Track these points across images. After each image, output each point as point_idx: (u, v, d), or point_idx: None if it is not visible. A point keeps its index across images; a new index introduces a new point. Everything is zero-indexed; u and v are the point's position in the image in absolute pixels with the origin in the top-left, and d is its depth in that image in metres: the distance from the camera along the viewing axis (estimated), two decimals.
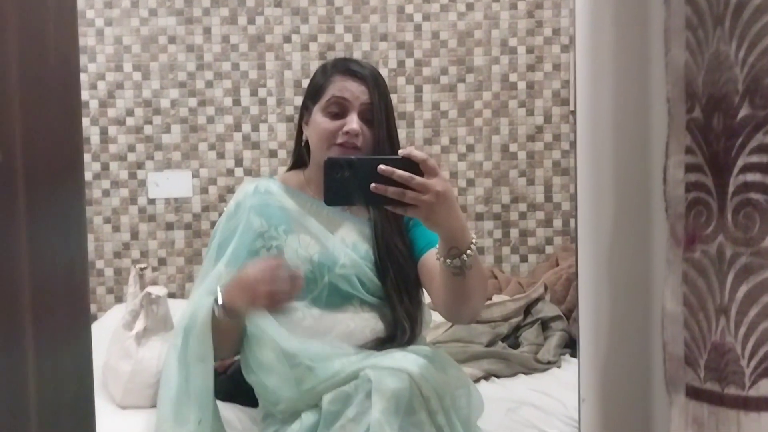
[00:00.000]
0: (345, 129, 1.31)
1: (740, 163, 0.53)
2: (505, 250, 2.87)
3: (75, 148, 0.75)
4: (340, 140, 1.31)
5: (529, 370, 1.79)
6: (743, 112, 0.53)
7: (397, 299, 1.33)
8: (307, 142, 1.41)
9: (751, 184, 0.53)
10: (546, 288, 2.06)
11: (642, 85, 0.68)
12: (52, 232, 0.69)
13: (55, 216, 0.70)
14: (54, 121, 0.71)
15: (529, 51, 2.82)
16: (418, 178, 1.03)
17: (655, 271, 0.66)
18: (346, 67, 1.37)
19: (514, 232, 2.86)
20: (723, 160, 0.54)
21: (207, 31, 2.75)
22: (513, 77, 2.83)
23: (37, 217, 0.66)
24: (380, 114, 1.34)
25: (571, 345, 1.95)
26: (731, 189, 0.54)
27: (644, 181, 0.67)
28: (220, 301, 1.23)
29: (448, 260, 1.12)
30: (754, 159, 0.53)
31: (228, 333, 1.29)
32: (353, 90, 1.34)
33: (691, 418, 0.53)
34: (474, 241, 1.13)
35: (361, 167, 1.05)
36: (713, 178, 0.54)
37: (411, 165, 1.03)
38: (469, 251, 1.11)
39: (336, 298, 1.33)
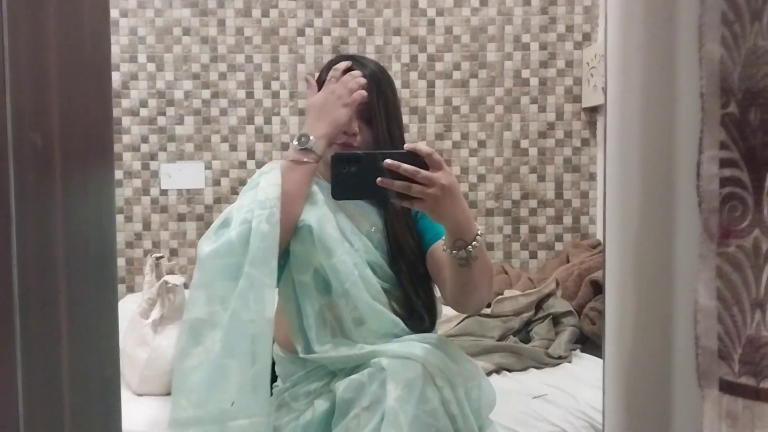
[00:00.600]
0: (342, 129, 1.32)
1: None
2: (515, 246, 2.87)
3: (106, 133, 0.76)
4: (339, 140, 1.32)
5: (540, 365, 1.79)
6: None
7: (410, 288, 1.34)
8: None
9: None
10: (557, 284, 2.07)
11: (670, 81, 0.69)
12: (84, 210, 0.71)
13: (87, 195, 0.71)
14: (88, 108, 0.72)
15: (542, 47, 2.82)
16: (423, 172, 1.05)
17: (679, 266, 0.67)
18: (344, 67, 1.37)
19: (524, 229, 2.86)
20: (760, 155, 0.54)
21: (221, 23, 2.76)
22: (525, 73, 2.83)
23: (70, 197, 0.67)
24: (378, 114, 1.34)
25: (581, 340, 1.96)
26: None
27: (671, 177, 0.68)
28: (301, 140, 1.24)
29: (454, 251, 1.14)
30: None
31: (302, 189, 1.26)
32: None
33: (724, 412, 0.53)
34: (479, 232, 1.15)
35: (368, 162, 1.06)
36: (749, 173, 0.55)
37: (417, 159, 1.05)
38: (474, 242, 1.13)
39: None
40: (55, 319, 0.66)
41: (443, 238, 1.18)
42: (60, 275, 0.66)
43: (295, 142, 1.26)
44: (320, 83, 1.39)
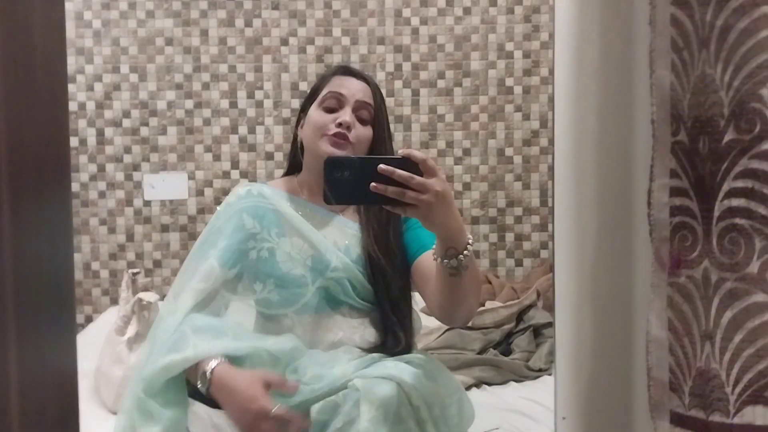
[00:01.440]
0: (338, 120, 1.31)
1: (725, 187, 0.53)
2: (501, 254, 2.87)
3: (62, 154, 0.75)
4: (331, 131, 1.31)
5: (520, 378, 1.78)
6: (729, 136, 0.53)
7: (388, 305, 1.33)
8: (301, 146, 1.41)
9: (736, 209, 0.53)
10: (539, 294, 2.06)
11: (626, 107, 0.68)
12: (37, 239, 0.69)
13: (41, 223, 0.69)
14: (41, 127, 0.70)
15: (526, 55, 2.82)
16: (417, 178, 1.03)
17: (637, 294, 0.66)
18: (345, 68, 1.41)
19: (509, 236, 2.86)
20: (708, 185, 0.54)
21: (204, 33, 2.75)
22: (509, 81, 2.83)
23: (22, 225, 0.66)
24: (380, 113, 1.36)
25: None
26: (716, 214, 0.53)
27: (627, 204, 0.67)
28: (205, 386, 1.18)
29: (445, 260, 1.12)
30: (740, 184, 0.53)
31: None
32: (350, 87, 1.35)
33: None
34: (470, 241, 1.13)
35: (361, 167, 1.04)
36: (698, 202, 0.54)
37: (411, 165, 1.03)
38: (465, 251, 1.11)
39: (326, 303, 1.33)
40: (2, 352, 0.64)
41: (431, 249, 1.16)
42: (8, 308, 0.64)
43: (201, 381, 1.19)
44: (313, 91, 1.40)
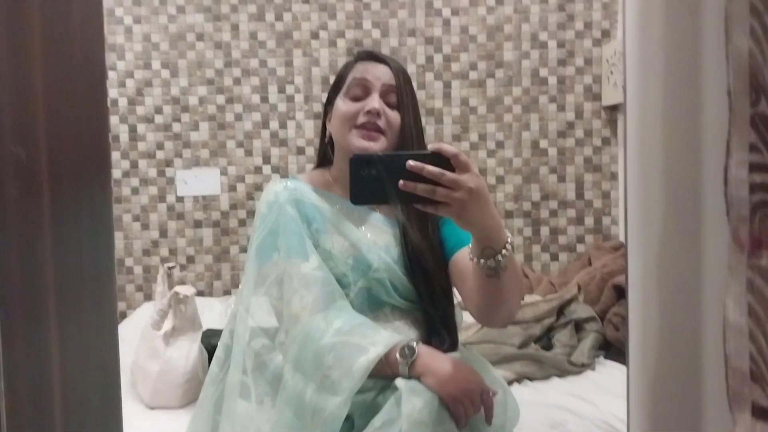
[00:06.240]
0: (366, 108, 1.26)
1: None
2: (535, 249, 2.82)
3: (101, 146, 0.73)
4: (360, 121, 1.26)
5: (562, 373, 1.73)
6: None
7: (430, 304, 1.28)
8: (330, 139, 1.37)
9: None
10: (579, 288, 2.01)
11: (694, 78, 0.64)
12: (77, 230, 0.67)
13: (81, 214, 0.68)
14: (80, 120, 0.69)
15: (560, 45, 2.77)
16: (449, 174, 0.97)
17: (707, 277, 0.62)
18: (367, 53, 1.36)
19: (544, 230, 2.81)
20: None
21: (235, 27, 2.74)
22: (543, 72, 2.77)
23: (61, 216, 0.64)
24: (405, 97, 1.30)
25: (605, 347, 1.90)
26: None
27: (696, 181, 0.63)
28: (411, 359, 1.13)
29: (481, 261, 1.06)
30: None
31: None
32: (374, 72, 1.30)
33: None
34: (509, 240, 1.06)
35: (389, 163, 0.99)
36: None
37: (441, 160, 0.97)
38: (504, 251, 1.05)
39: (368, 304, 1.28)
40: (44, 349, 0.63)
41: (469, 245, 1.09)
42: (49, 300, 0.63)
43: (399, 357, 1.14)
44: (338, 80, 1.35)
